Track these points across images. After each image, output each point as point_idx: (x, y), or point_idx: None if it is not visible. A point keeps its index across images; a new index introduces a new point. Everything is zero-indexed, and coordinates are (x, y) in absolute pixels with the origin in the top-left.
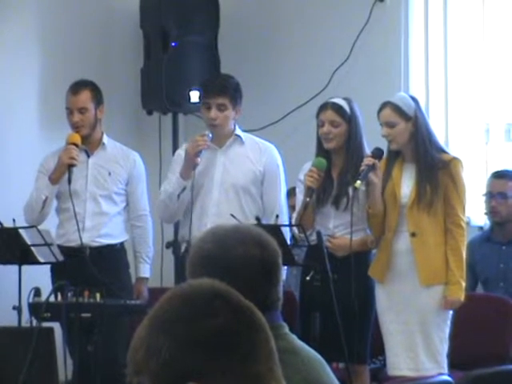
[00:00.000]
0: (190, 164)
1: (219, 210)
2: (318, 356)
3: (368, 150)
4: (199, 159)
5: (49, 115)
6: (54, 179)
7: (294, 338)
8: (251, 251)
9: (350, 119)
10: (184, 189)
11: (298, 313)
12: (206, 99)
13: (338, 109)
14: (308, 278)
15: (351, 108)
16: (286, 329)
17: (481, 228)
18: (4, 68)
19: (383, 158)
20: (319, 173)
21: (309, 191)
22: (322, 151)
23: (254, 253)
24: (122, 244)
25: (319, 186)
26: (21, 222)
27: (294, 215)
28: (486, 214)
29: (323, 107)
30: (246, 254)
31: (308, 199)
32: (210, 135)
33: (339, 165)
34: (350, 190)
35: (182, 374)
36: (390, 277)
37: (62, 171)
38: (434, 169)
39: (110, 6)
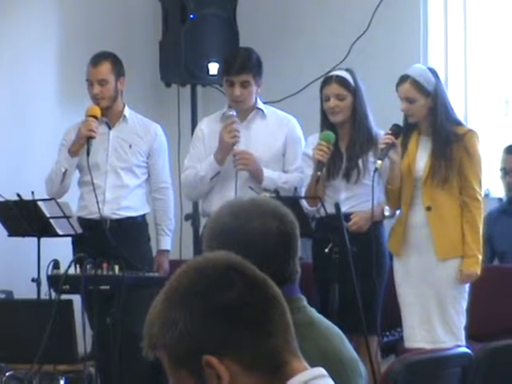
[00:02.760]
0: (226, 152)
1: (241, 184)
2: (337, 329)
3: (373, 120)
4: (236, 148)
5: (68, 88)
6: (73, 152)
7: (311, 310)
8: (268, 223)
9: (354, 91)
10: (218, 173)
11: (316, 285)
12: (229, 76)
13: (342, 81)
14: (327, 251)
15: (354, 79)
16: (304, 302)
17: (500, 200)
18: (23, 41)
19: (400, 135)
20: (328, 146)
21: (319, 165)
22: (326, 126)
23: (271, 225)
24: (143, 217)
25: (328, 160)
26: (40, 195)
27: (303, 189)
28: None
29: (327, 81)
30: (263, 226)
31: (319, 173)
32: (235, 113)
33: (346, 138)
34: (360, 162)
35: (197, 348)
36: (406, 250)
37: (81, 143)
38: (449, 143)
39: None
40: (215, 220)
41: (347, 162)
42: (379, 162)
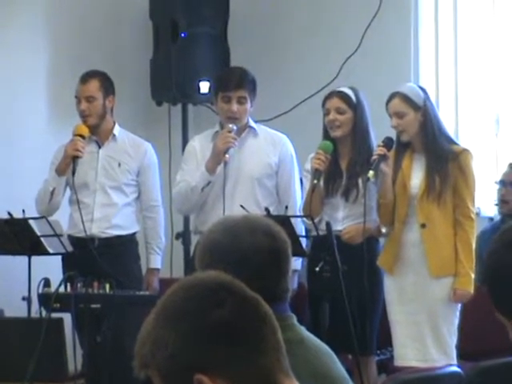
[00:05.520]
0: (218, 160)
1: (233, 202)
2: (326, 347)
3: (375, 140)
4: (227, 156)
5: (58, 106)
6: (60, 171)
7: (301, 329)
8: (260, 240)
9: (355, 107)
10: (209, 183)
11: (308, 303)
12: (225, 92)
13: (343, 96)
14: (317, 269)
15: (357, 97)
16: (294, 320)
17: (491, 219)
18: (13, 59)
19: (392, 148)
20: (326, 155)
21: (316, 173)
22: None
23: (263, 242)
24: (132, 235)
25: (326, 169)
26: (30, 213)
27: (301, 203)
28: (496, 204)
29: (329, 96)
30: (255, 243)
31: (315, 181)
32: (235, 128)
33: (347, 155)
34: (360, 181)
35: (188, 367)
36: (399, 267)
37: (68, 163)
38: (444, 159)
39: None
40: (207, 236)
41: (347, 180)
42: (371, 172)
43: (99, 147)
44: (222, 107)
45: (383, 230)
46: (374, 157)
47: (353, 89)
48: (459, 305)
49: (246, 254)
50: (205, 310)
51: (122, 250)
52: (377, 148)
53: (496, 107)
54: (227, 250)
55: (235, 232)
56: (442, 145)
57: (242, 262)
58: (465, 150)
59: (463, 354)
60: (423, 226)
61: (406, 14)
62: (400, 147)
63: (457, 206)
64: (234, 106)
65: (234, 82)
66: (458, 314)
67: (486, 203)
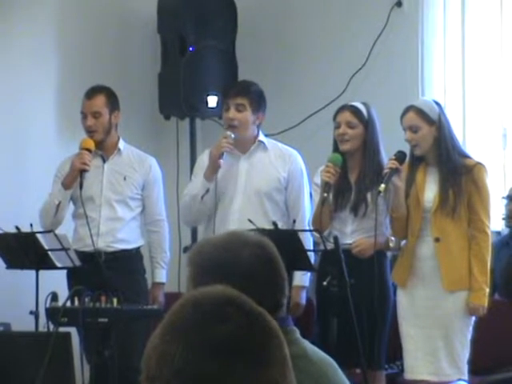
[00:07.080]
0: (215, 166)
1: (242, 216)
2: (331, 360)
3: (385, 156)
4: (221, 161)
5: (66, 121)
6: (66, 184)
7: (305, 342)
8: (255, 251)
9: (367, 123)
10: (207, 191)
11: (316, 318)
12: (225, 100)
13: (355, 111)
14: (325, 283)
15: (369, 112)
16: (298, 333)
17: (498, 233)
18: (21, 75)
19: (406, 162)
20: (335, 168)
21: (326, 186)
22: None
23: (257, 252)
24: (137, 249)
25: (335, 183)
26: (38, 227)
27: (310, 217)
28: (503, 219)
29: (341, 109)
30: (251, 254)
31: (325, 194)
32: (233, 135)
33: (356, 169)
34: (369, 196)
35: (194, 381)
36: (413, 281)
37: (75, 176)
38: (457, 174)
39: (128, 10)
40: (203, 256)
41: (356, 194)
42: (382, 185)
43: (104, 161)
44: (223, 116)
45: (391, 244)
46: (386, 170)
47: (365, 104)
48: (472, 319)
49: (246, 268)
50: (211, 324)
51: (128, 263)
52: (388, 161)
53: (503, 122)
54: (228, 265)
55: (230, 247)
56: (455, 159)
57: (241, 277)
58: (478, 164)
59: (474, 369)
60: (437, 239)
61: (414, 29)
62: (414, 161)
63: (471, 220)
64: (231, 113)
65: (234, 90)
66: (471, 328)
67: (493, 217)
